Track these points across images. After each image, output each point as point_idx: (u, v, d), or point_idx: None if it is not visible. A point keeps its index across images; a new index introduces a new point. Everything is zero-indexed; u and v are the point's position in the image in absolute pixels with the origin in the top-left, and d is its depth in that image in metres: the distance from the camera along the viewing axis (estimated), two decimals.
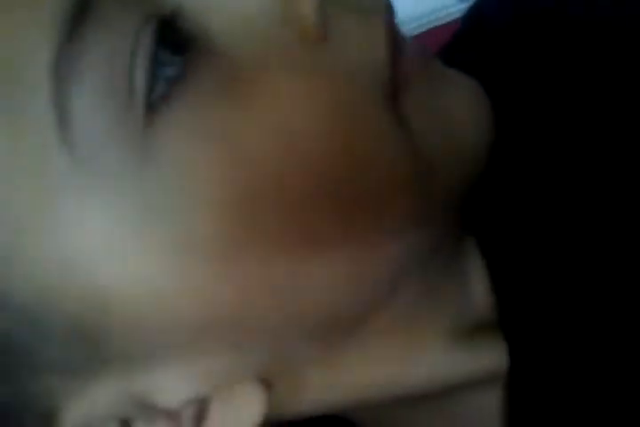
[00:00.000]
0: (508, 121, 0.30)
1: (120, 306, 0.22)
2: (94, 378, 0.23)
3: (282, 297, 0.22)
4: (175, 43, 0.21)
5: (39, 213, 0.21)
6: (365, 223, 0.23)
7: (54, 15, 0.20)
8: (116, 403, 0.23)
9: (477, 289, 0.28)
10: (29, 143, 0.21)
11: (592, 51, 0.30)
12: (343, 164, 0.22)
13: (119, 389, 0.23)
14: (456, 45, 0.35)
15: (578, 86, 0.30)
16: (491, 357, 0.27)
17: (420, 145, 0.23)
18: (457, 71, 0.27)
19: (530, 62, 0.31)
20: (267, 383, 0.24)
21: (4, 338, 0.22)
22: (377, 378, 0.26)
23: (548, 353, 0.27)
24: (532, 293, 0.27)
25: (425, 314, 0.26)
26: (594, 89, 0.29)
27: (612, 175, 0.28)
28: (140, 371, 0.23)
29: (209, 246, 0.21)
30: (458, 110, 0.24)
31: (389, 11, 0.24)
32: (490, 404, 0.28)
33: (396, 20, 0.44)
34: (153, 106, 0.20)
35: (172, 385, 0.23)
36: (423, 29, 0.43)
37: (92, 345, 0.22)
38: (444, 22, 0.41)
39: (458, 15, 0.41)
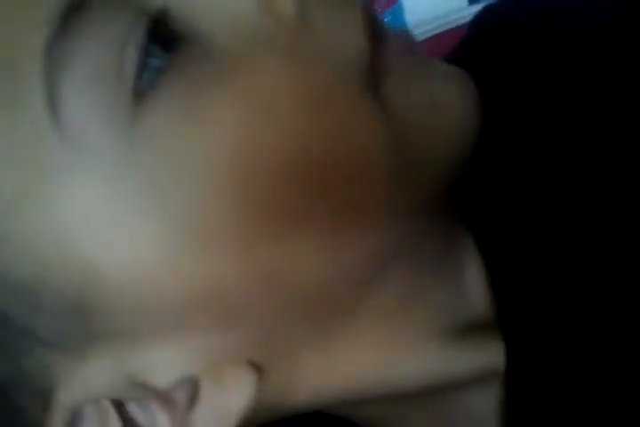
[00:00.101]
0: (510, 117, 0.30)
1: (108, 282, 0.22)
2: (87, 357, 0.23)
3: (266, 277, 0.23)
4: (164, 38, 0.22)
5: (32, 191, 0.22)
6: (350, 207, 0.23)
7: (50, 6, 0.21)
8: (110, 383, 0.23)
9: (474, 287, 0.28)
10: (22, 124, 0.21)
11: (600, 53, 0.30)
12: (322, 145, 0.22)
13: (111, 368, 0.23)
14: (466, 49, 0.36)
15: (582, 85, 0.30)
16: (487, 356, 0.27)
17: (402, 130, 0.24)
18: (443, 61, 0.27)
19: (538, 65, 0.31)
20: (258, 367, 0.24)
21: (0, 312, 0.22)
22: (370, 369, 0.26)
23: (546, 352, 0.27)
24: (531, 291, 0.27)
25: (418, 306, 0.27)
26: (597, 88, 0.30)
27: (611, 173, 0.28)
28: (130, 349, 0.23)
29: (194, 226, 0.22)
30: (443, 96, 0.25)
31: (365, 5, 0.24)
32: (487, 403, 0.28)
33: (408, 24, 0.44)
34: (140, 92, 0.21)
35: (162, 364, 0.24)
36: (433, 33, 0.43)
37: (82, 321, 0.23)
38: (454, 26, 0.41)
39: (468, 18, 0.41)
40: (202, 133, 0.22)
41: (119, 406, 0.24)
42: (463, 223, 0.29)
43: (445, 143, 0.25)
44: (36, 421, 0.23)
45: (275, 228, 0.23)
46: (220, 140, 0.22)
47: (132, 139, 0.21)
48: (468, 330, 0.27)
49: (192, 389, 0.24)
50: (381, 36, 0.24)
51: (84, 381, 0.23)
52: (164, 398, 0.24)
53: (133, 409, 0.24)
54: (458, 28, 0.41)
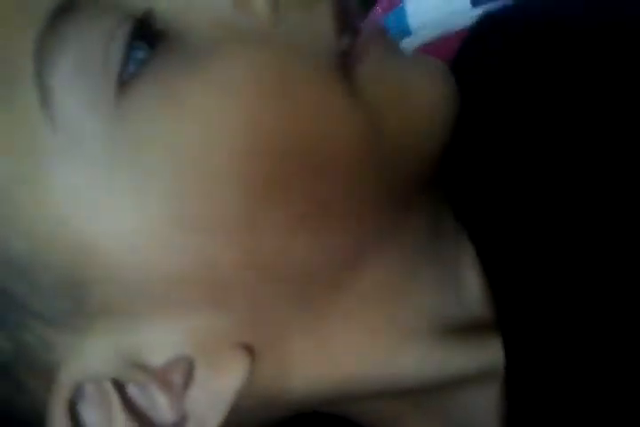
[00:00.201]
0: (506, 115, 0.31)
1: (100, 259, 0.23)
2: (85, 335, 0.24)
3: (254, 257, 0.25)
4: (148, 35, 0.24)
5: (26, 175, 0.23)
6: (328, 190, 0.24)
7: (39, 9, 0.23)
8: (108, 362, 0.24)
9: (472, 286, 0.28)
10: (16, 114, 0.23)
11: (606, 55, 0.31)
12: (294, 129, 0.24)
13: (109, 347, 0.24)
14: (465, 53, 0.36)
15: (579, 86, 0.30)
16: (486, 355, 0.27)
17: (375, 115, 0.24)
18: (418, 53, 0.28)
19: (536, 68, 0.32)
20: (251, 350, 0.25)
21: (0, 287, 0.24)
22: (361, 359, 0.27)
23: (545, 352, 0.27)
24: (529, 290, 0.27)
25: (410, 298, 0.27)
26: (594, 89, 0.30)
27: (606, 174, 0.28)
28: (126, 328, 0.24)
29: (180, 204, 0.23)
30: (414, 83, 0.26)
31: None
32: (486, 403, 0.28)
33: (411, 26, 0.44)
34: (124, 82, 0.23)
35: (157, 343, 0.25)
36: (436, 35, 0.43)
37: (78, 298, 0.24)
38: (457, 28, 0.41)
39: (471, 21, 0.41)
40: (178, 117, 0.23)
41: (120, 387, 0.24)
42: (462, 223, 0.29)
43: (417, 130, 0.26)
44: (39, 400, 0.24)
45: (258, 208, 0.24)
46: (195, 124, 0.23)
47: (116, 123, 0.23)
48: (467, 329, 0.28)
49: (187, 370, 0.25)
50: (353, 26, 0.26)
51: (83, 359, 0.24)
52: (161, 379, 0.24)
53: (133, 391, 0.25)
54: (461, 30, 0.41)
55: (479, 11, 0.43)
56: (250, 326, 0.25)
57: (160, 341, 0.25)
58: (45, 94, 0.23)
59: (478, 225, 0.29)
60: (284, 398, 0.27)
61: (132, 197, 0.23)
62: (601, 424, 0.26)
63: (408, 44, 0.44)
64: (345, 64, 0.25)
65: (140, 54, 0.24)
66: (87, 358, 0.24)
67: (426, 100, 0.26)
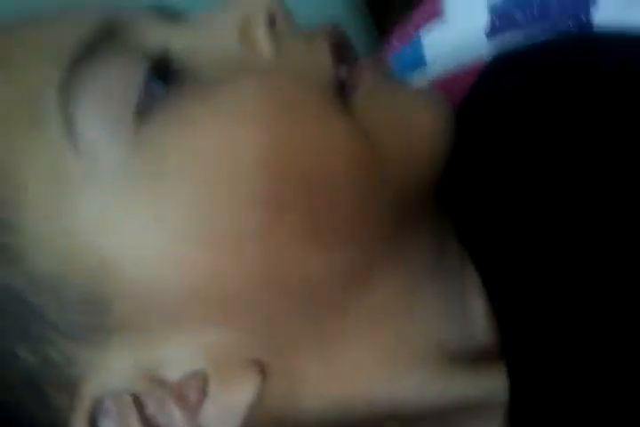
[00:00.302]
0: (509, 149, 0.32)
1: (118, 277, 0.25)
2: (106, 350, 0.26)
3: (264, 276, 0.26)
4: (164, 73, 0.27)
5: (52, 199, 0.25)
6: (334, 212, 0.26)
7: (65, 48, 0.26)
8: (127, 377, 0.26)
9: (478, 315, 0.29)
10: (42, 140, 0.26)
11: (619, 101, 0.31)
12: (299, 153, 0.25)
13: (128, 362, 0.26)
14: (485, 86, 0.37)
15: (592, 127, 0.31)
16: (489, 383, 0.27)
17: (373, 141, 0.26)
18: (433, 86, 0.29)
19: (559, 109, 0.32)
20: (263, 367, 0.26)
21: (24, 303, 0.25)
22: (368, 378, 0.27)
23: (550, 381, 0.27)
24: (535, 321, 0.28)
25: (415, 322, 0.28)
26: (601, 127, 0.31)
27: (607, 207, 0.29)
28: (144, 343, 0.26)
29: (195, 225, 0.25)
30: (411, 113, 0.28)
31: (335, 33, 0.29)
32: None
33: (427, 59, 0.45)
34: (142, 113, 0.26)
35: (173, 358, 0.26)
36: (452, 69, 0.44)
37: (97, 313, 0.25)
38: (473, 61, 0.42)
39: (487, 53, 0.42)
40: (191, 143, 0.25)
41: (137, 401, 0.25)
42: (465, 247, 0.30)
43: (411, 158, 0.27)
44: (62, 414, 0.25)
45: (270, 226, 0.25)
46: (207, 148, 0.25)
47: (135, 151, 0.25)
48: (470, 356, 0.28)
49: (202, 385, 0.25)
50: (350, 58, 0.28)
51: (103, 374, 0.25)
52: (177, 393, 0.25)
53: (150, 405, 0.25)
54: (476, 63, 0.42)
55: (494, 43, 0.44)
56: (262, 343, 0.26)
57: (176, 356, 0.26)
58: (69, 125, 0.25)
59: (482, 250, 0.30)
60: (294, 417, 0.27)
61: (149, 218, 0.25)
62: None
63: (423, 76, 0.45)
64: (343, 92, 0.27)
65: (157, 89, 0.26)
66: (107, 373, 0.25)
67: (421, 130, 0.28)
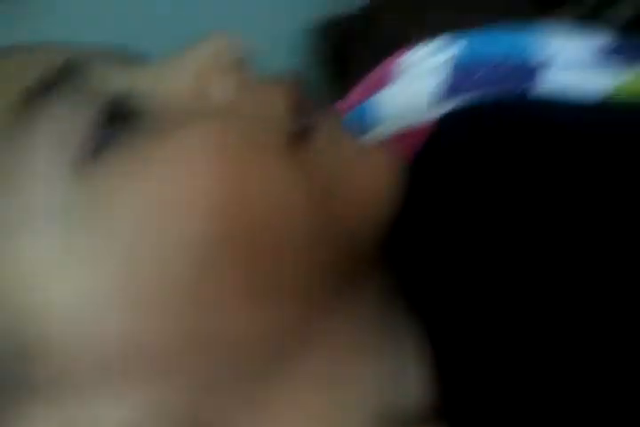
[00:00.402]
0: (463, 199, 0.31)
1: (44, 331, 0.24)
2: (31, 405, 0.25)
3: (194, 337, 0.25)
4: (117, 115, 0.26)
5: None
6: (273, 266, 0.25)
7: (15, 91, 0.26)
8: None
9: (419, 372, 0.28)
10: None
11: (570, 154, 0.32)
12: (243, 203, 0.25)
13: (52, 420, 0.23)
14: (434, 147, 0.37)
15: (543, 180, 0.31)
16: None
17: (322, 192, 0.26)
18: (383, 143, 0.29)
19: (511, 162, 0.33)
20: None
21: None
22: None
23: None
24: (479, 383, 0.27)
25: (352, 384, 0.27)
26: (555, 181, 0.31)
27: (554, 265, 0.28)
28: (71, 401, 0.24)
29: (127, 282, 0.24)
30: (362, 168, 0.27)
31: (293, 84, 0.29)
32: None
33: (379, 119, 0.46)
34: (90, 155, 0.25)
35: (100, 416, 0.24)
36: (401, 129, 0.44)
37: (20, 368, 0.24)
38: (422, 123, 0.42)
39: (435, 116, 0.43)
40: (136, 188, 0.25)
41: None
42: (412, 305, 0.29)
43: (359, 211, 0.27)
44: None
45: (204, 282, 0.24)
46: (149, 198, 0.25)
47: (79, 199, 0.24)
48: (413, 422, 0.27)
49: None
50: (308, 110, 0.28)
51: None
52: None
53: None
54: (425, 124, 0.42)
55: (444, 107, 0.45)
56: (194, 402, 0.25)
57: (103, 415, 0.24)
58: (17, 167, 0.24)
59: (429, 309, 0.29)
60: None
61: (79, 266, 0.24)
62: None
63: (375, 134, 0.46)
64: (296, 145, 0.27)
65: (109, 132, 0.26)
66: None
67: (371, 186, 0.28)
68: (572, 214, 0.29)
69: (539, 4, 0.82)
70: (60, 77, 0.27)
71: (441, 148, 0.36)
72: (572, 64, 0.47)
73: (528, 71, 0.44)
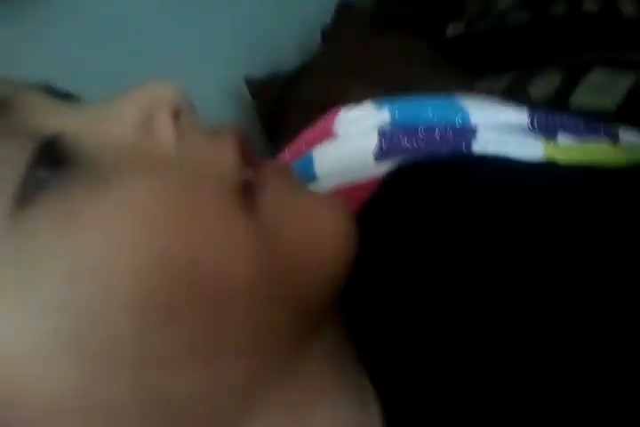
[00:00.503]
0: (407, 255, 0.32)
1: None
2: None
3: (142, 391, 0.23)
4: (52, 158, 0.25)
5: None
6: (220, 321, 0.24)
7: None
8: None
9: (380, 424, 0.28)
10: None
11: (482, 209, 0.33)
12: (189, 256, 0.24)
13: None
14: (378, 200, 0.38)
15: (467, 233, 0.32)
16: None
17: (274, 242, 0.25)
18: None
19: (435, 215, 0.34)
20: None
21: None
22: None
23: None
24: None
25: None
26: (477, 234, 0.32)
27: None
28: None
29: (61, 324, 0.22)
30: (315, 216, 0.27)
31: (239, 133, 0.28)
32: None
33: (318, 174, 0.46)
34: (23, 197, 0.23)
35: None
36: (342, 185, 0.46)
37: None
38: (362, 180, 0.44)
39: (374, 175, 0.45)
40: (73, 234, 0.23)
41: None
42: (367, 367, 0.29)
43: (314, 259, 0.26)
44: None
45: (144, 336, 0.23)
46: (85, 245, 0.23)
47: (11, 237, 0.23)
48: None
49: None
50: (255, 160, 0.28)
51: None
52: None
53: None
54: (367, 181, 0.43)
55: (382, 164, 0.46)
56: None
57: None
58: None
59: (379, 363, 0.29)
60: None
61: (14, 313, 0.23)
62: None
63: (317, 188, 0.47)
64: (246, 192, 0.26)
65: (42, 173, 0.24)
66: None
67: (324, 234, 0.27)
68: (489, 261, 0.31)
69: (465, 74, 0.87)
70: None
71: (383, 201, 0.37)
72: (497, 133, 0.50)
73: (463, 133, 0.47)
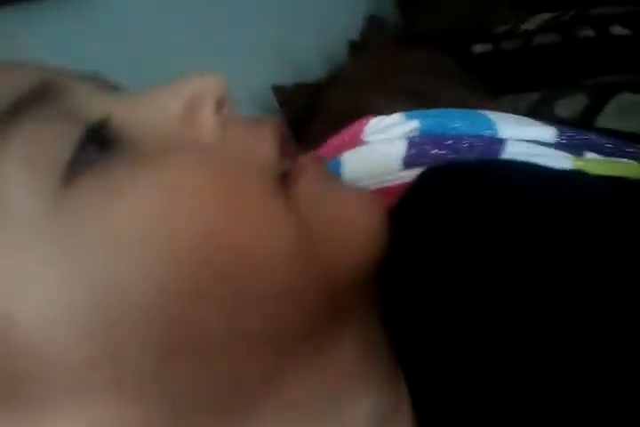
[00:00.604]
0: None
1: (8, 334, 0.23)
2: None
3: (164, 355, 0.24)
4: (100, 139, 0.26)
5: None
6: (250, 305, 0.25)
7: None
8: None
9: (402, 420, 0.28)
10: None
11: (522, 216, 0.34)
12: (227, 239, 0.24)
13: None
14: (412, 199, 0.39)
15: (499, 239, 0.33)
16: None
17: (308, 233, 0.26)
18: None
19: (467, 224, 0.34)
20: None
21: None
22: None
23: None
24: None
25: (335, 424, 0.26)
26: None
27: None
28: (30, 413, 0.23)
29: (99, 298, 0.24)
30: (349, 209, 0.28)
31: (279, 126, 0.29)
32: None
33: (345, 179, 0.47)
34: (70, 175, 0.24)
35: None
36: (372, 186, 0.46)
37: None
38: (388, 185, 0.44)
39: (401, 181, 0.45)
40: (116, 211, 0.24)
41: None
42: (398, 352, 0.29)
43: (349, 253, 0.27)
44: None
45: (178, 308, 0.24)
46: (129, 221, 0.24)
47: (57, 212, 0.24)
48: None
49: None
50: (292, 151, 0.29)
51: None
52: None
53: None
54: (394, 186, 0.44)
55: (410, 172, 0.47)
56: (163, 422, 0.24)
57: None
58: None
59: (412, 352, 0.30)
60: None
61: (53, 280, 0.24)
62: None
63: None
64: (283, 183, 0.27)
65: (90, 153, 0.25)
66: None
67: (358, 226, 0.28)
68: (518, 263, 0.31)
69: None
70: (39, 96, 0.26)
71: (413, 202, 0.38)
72: (525, 147, 0.50)
73: (491, 145, 0.47)
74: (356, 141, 0.52)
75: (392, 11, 1.23)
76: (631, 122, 0.83)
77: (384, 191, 0.44)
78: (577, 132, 0.53)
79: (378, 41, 1.06)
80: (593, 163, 0.45)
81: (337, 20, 1.20)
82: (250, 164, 0.27)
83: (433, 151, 0.48)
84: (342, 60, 1.15)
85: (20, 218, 0.24)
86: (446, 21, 1.11)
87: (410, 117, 0.53)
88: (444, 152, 0.47)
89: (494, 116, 0.54)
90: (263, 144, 0.28)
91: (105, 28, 0.97)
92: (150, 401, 0.24)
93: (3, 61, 0.29)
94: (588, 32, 0.96)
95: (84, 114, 0.27)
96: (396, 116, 0.54)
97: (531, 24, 1.06)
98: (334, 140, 0.55)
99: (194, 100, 0.28)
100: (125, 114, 0.28)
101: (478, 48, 1.08)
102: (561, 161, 0.44)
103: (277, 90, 0.99)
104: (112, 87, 0.31)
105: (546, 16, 1.05)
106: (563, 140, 0.52)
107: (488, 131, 0.51)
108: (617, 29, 0.94)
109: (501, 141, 0.48)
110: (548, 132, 0.52)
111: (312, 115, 0.90)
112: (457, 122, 0.52)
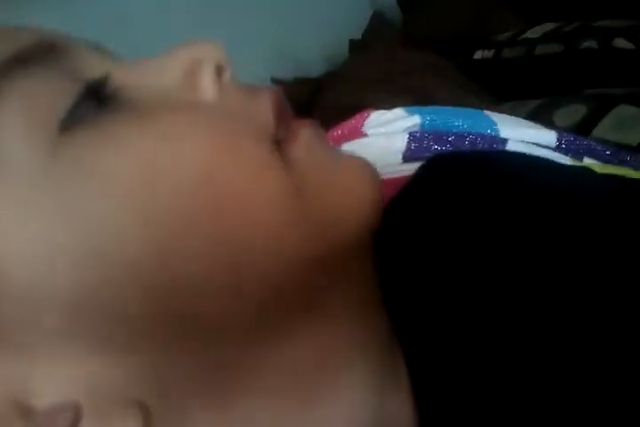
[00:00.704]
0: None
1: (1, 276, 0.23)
2: None
3: (159, 307, 0.24)
4: (100, 97, 0.26)
5: None
6: (251, 259, 0.25)
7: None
8: None
9: (401, 402, 0.27)
10: None
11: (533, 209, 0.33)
12: (220, 196, 0.25)
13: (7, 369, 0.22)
14: (416, 186, 0.38)
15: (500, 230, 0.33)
16: None
17: (304, 197, 0.25)
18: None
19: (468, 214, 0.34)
20: (146, 410, 0.24)
21: None
22: None
23: None
24: (455, 401, 0.27)
25: (327, 395, 0.26)
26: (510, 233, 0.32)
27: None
28: (14, 359, 0.22)
29: (91, 242, 0.24)
30: (343, 171, 0.28)
31: (278, 92, 0.30)
32: None
33: None
34: (68, 126, 0.25)
35: (42, 383, 0.23)
36: None
37: None
38: (390, 176, 0.44)
39: (403, 174, 0.45)
40: (113, 159, 0.24)
41: None
42: (397, 329, 0.29)
43: (344, 216, 0.28)
44: None
45: (172, 254, 0.24)
46: (126, 169, 0.24)
47: (54, 160, 0.24)
48: None
49: (72, 420, 0.22)
50: (288, 114, 0.29)
51: None
52: (43, 424, 0.22)
53: None
54: (393, 178, 0.43)
55: (410, 166, 0.46)
56: (147, 386, 0.24)
57: (44, 381, 0.23)
58: None
59: (410, 327, 0.29)
60: None
61: (48, 226, 0.24)
62: None
63: None
64: (279, 148, 0.27)
65: (89, 108, 0.26)
66: None
67: (353, 190, 0.28)
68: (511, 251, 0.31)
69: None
70: (40, 52, 0.26)
71: (421, 189, 0.37)
72: (525, 148, 0.50)
73: (493, 143, 0.47)
74: (356, 134, 0.52)
75: (396, 9, 1.23)
76: (628, 134, 0.83)
77: (384, 183, 0.43)
78: (577, 137, 0.53)
79: (380, 40, 1.06)
80: (593, 167, 0.45)
81: (339, 19, 1.20)
82: (248, 123, 0.27)
83: (434, 147, 0.48)
84: (342, 59, 1.14)
85: (16, 169, 0.24)
86: (446, 23, 1.11)
87: (411, 113, 0.53)
88: (444, 148, 0.47)
89: (496, 117, 0.54)
90: (261, 107, 0.28)
91: (102, 24, 0.96)
92: (136, 362, 0.24)
93: (7, 27, 0.29)
94: (591, 44, 0.96)
95: (85, 73, 0.27)
96: (398, 111, 0.54)
97: (533, 33, 1.06)
98: (334, 132, 0.54)
99: (193, 65, 0.29)
100: (125, 76, 0.28)
101: (479, 54, 1.08)
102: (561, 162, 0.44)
103: (276, 82, 0.98)
104: (113, 55, 0.31)
105: (549, 26, 1.05)
106: (563, 144, 0.51)
107: (490, 131, 0.51)
108: (621, 42, 0.94)
109: (503, 141, 0.48)
110: (549, 136, 0.52)
111: (311, 109, 0.89)
112: (459, 120, 0.52)
